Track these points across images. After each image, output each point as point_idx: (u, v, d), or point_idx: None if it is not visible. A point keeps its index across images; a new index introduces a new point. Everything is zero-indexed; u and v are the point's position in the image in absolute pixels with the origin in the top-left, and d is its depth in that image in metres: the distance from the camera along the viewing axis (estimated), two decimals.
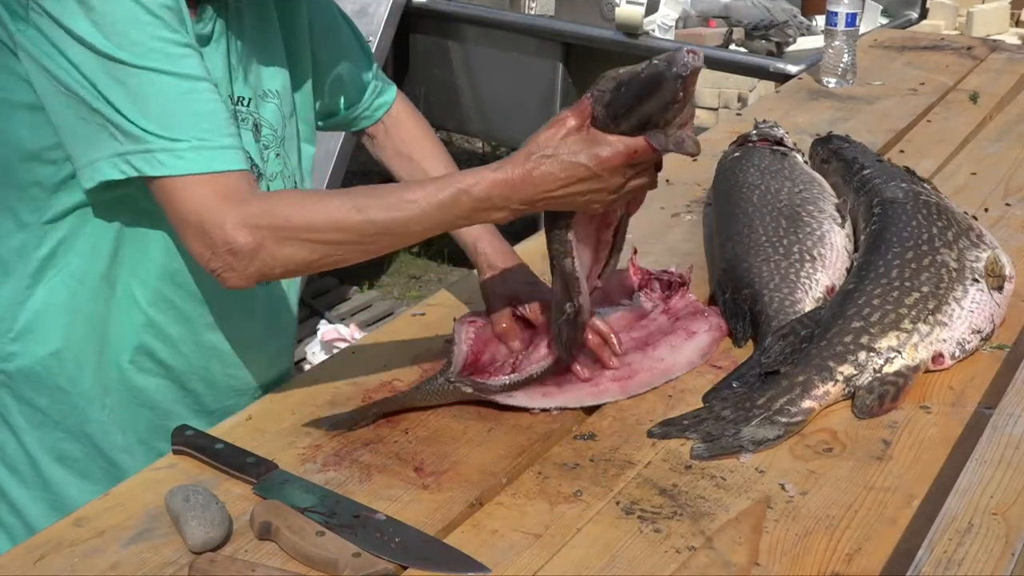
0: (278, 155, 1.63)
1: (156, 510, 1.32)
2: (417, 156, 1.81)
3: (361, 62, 1.80)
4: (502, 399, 1.51)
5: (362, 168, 6.19)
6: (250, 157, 1.55)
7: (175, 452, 1.43)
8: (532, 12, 4.51)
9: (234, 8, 1.54)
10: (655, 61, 1.34)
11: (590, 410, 1.54)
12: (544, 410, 1.52)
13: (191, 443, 1.43)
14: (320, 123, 1.80)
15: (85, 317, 1.54)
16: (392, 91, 1.85)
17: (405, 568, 1.24)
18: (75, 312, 1.53)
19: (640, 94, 1.34)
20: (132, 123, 1.35)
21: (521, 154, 1.36)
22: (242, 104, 1.56)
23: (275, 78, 1.63)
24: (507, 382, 1.50)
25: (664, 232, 2.08)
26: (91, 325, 1.54)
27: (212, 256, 1.35)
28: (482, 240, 1.70)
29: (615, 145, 1.35)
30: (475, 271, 1.72)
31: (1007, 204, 2.17)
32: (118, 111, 1.35)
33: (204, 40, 1.49)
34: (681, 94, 1.32)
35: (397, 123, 1.84)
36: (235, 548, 1.26)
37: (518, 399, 1.52)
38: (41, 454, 1.59)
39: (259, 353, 1.69)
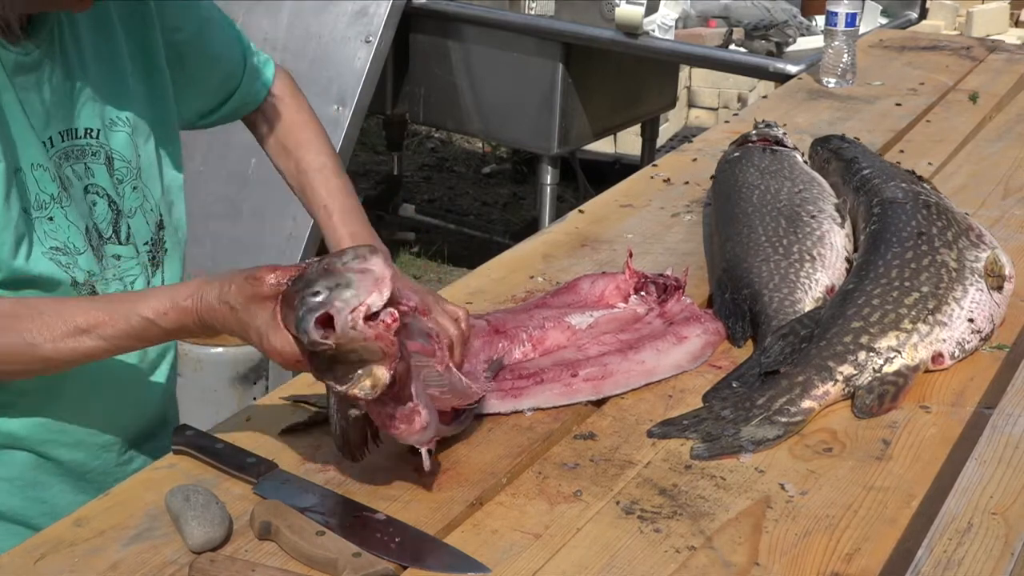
0: (135, 188, 1.57)
1: (156, 510, 1.32)
2: (292, 145, 1.75)
3: (235, 50, 1.72)
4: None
5: (362, 168, 6.20)
6: (107, 193, 1.52)
7: (175, 452, 1.43)
8: (532, 12, 4.51)
9: (70, 34, 1.47)
10: (307, 297, 1.22)
11: (590, 410, 1.54)
12: (536, 410, 1.52)
13: (191, 443, 1.43)
14: (201, 122, 1.74)
15: None
16: (269, 69, 1.78)
17: (405, 568, 1.24)
18: None
19: (292, 328, 1.24)
20: None
21: (214, 289, 1.31)
22: (91, 136, 1.51)
23: (124, 106, 1.55)
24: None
25: (664, 232, 2.08)
26: None
27: None
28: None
29: (284, 346, 1.27)
30: (476, 269, 1.72)
31: (1007, 204, 2.17)
32: None
33: (26, 68, 1.41)
34: (324, 349, 1.22)
35: (274, 107, 1.77)
36: (235, 548, 1.26)
37: (487, 403, 1.50)
38: None
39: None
